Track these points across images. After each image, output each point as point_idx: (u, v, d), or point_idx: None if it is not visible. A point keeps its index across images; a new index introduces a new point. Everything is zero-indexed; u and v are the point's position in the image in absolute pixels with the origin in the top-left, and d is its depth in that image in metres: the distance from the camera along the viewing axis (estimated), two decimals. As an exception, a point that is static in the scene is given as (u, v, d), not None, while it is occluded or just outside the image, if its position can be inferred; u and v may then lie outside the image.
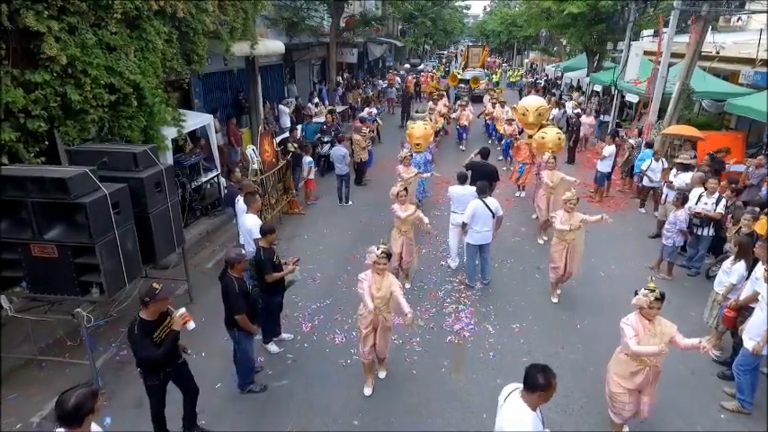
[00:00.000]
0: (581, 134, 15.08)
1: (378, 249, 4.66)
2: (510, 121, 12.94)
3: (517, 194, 11.28)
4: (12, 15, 5.08)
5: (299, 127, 13.15)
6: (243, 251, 4.75)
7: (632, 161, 11.42)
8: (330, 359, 5.64)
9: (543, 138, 9.58)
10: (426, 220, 6.74)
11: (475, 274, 7.34)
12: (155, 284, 3.82)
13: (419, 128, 10.19)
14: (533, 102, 11.22)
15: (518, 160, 11.03)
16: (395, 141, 10.79)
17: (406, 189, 6.90)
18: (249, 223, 6.12)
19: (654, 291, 4.00)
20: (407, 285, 7.16)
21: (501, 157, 13.95)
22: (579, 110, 16.72)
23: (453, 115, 16.56)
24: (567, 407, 4.95)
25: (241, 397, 5.03)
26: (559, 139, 9.58)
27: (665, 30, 12.32)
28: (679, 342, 4.02)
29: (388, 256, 4.74)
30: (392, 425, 4.72)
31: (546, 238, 8.68)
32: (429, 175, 9.66)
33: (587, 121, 15.55)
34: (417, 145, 10.01)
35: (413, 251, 6.97)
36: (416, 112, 15.46)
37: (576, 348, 5.86)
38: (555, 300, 6.91)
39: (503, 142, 13.94)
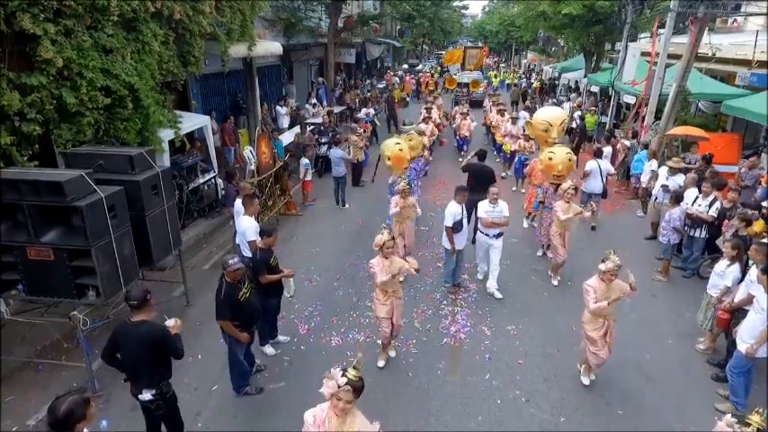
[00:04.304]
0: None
1: (341, 376, 3.03)
2: (528, 137, 11.31)
3: (526, 226, 9.66)
4: (8, 18, 5.09)
5: None
6: (236, 258, 4.67)
7: (628, 162, 11.45)
8: (326, 361, 5.63)
9: (551, 159, 7.84)
10: (415, 266, 5.36)
11: (453, 274, 7.27)
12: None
13: (395, 153, 8.37)
14: (558, 113, 8.91)
15: (534, 184, 8.98)
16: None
17: (393, 239, 5.18)
18: (244, 226, 6.15)
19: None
20: (381, 363, 5.60)
21: (504, 174, 12.67)
22: (581, 112, 16.15)
23: (454, 125, 15.79)
24: (563, 408, 4.96)
25: (238, 399, 5.04)
26: (570, 160, 7.89)
27: (660, 32, 12.37)
28: None
29: (358, 390, 3.05)
30: (387, 427, 4.73)
31: (558, 280, 7.52)
32: (417, 198, 8.41)
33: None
34: (405, 169, 8.56)
35: (403, 313, 5.61)
36: (404, 124, 13.38)
37: (572, 351, 5.87)
38: (586, 382, 5.29)
39: (515, 160, 11.84)
